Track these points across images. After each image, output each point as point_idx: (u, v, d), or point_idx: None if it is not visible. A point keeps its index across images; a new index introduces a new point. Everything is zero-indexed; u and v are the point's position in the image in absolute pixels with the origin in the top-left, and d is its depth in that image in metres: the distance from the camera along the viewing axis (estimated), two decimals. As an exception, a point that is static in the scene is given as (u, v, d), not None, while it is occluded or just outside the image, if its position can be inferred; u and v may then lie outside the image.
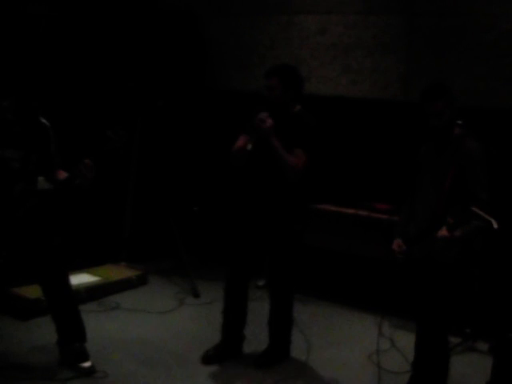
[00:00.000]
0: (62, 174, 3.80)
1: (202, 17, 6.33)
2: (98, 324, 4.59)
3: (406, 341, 4.32)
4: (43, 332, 4.26)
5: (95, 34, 5.58)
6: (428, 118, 3.37)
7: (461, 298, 3.46)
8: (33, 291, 4.54)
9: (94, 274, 5.42)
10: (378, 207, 5.19)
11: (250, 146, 3.70)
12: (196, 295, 5.40)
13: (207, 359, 4.12)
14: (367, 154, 5.52)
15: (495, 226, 2.82)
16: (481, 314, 4.66)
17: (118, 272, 5.65)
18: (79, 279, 5.19)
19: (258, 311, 4.44)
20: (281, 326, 4.23)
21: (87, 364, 3.88)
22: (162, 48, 5.95)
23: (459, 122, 3.45)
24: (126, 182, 6.00)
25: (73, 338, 3.93)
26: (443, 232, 3.14)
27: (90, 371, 3.86)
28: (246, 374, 4.07)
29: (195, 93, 6.25)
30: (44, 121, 3.79)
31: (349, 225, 5.26)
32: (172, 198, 5.94)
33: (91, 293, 5.09)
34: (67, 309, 3.92)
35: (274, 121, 3.74)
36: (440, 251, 3.32)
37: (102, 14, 5.62)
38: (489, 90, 4.92)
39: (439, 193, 3.32)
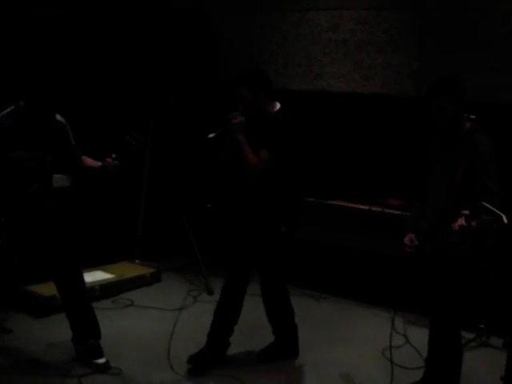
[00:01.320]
0: (90, 161, 3.87)
1: (213, 15, 6.34)
2: (112, 321, 4.64)
3: (420, 336, 4.30)
4: (58, 329, 4.29)
5: (107, 33, 5.61)
6: (432, 114, 3.35)
7: (473, 293, 3.44)
8: (47, 289, 4.57)
9: (109, 272, 5.47)
10: (390, 203, 5.17)
11: (211, 135, 3.78)
12: (210, 292, 5.41)
13: (194, 368, 3.97)
14: (380, 149, 5.50)
15: (505, 220, 2.81)
16: (494, 309, 4.64)
17: (132, 269, 5.69)
18: (94, 277, 5.24)
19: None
20: (280, 322, 4.20)
21: (102, 360, 3.92)
22: (174, 46, 5.98)
23: (472, 116, 3.43)
24: (140, 181, 6.04)
25: (87, 335, 3.97)
26: (461, 221, 3.03)
27: (105, 368, 3.89)
28: (258, 370, 4.08)
29: (207, 90, 6.26)
30: (60, 118, 3.82)
31: (362, 221, 5.25)
32: (185, 195, 5.96)
33: (105, 290, 5.14)
34: (82, 306, 3.96)
35: (251, 125, 3.77)
36: (451, 246, 3.30)
37: (113, 14, 5.64)
38: (500, 84, 4.89)
39: (449, 187, 3.28)
